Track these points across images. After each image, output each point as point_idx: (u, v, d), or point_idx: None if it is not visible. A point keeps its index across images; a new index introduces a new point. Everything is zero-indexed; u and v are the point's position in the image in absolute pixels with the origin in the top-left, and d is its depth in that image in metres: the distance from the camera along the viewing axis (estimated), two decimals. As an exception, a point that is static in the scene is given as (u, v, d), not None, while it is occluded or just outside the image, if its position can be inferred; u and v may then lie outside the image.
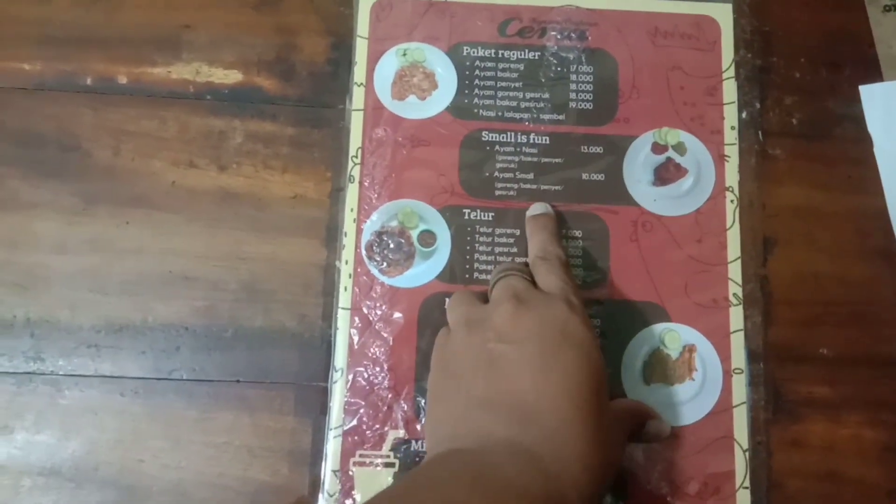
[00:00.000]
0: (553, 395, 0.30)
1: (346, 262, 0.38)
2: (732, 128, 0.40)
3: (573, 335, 0.31)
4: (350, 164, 0.39)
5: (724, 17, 0.41)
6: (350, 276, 0.38)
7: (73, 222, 0.39)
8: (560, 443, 0.29)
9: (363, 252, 0.38)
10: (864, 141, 0.40)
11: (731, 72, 0.40)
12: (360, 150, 0.39)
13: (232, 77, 0.40)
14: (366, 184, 0.39)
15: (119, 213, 0.39)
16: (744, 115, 0.40)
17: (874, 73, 0.41)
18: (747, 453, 0.37)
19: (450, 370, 0.33)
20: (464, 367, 0.32)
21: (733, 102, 0.40)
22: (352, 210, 0.39)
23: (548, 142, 0.40)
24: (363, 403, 0.37)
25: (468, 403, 0.31)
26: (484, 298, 0.35)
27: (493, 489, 0.27)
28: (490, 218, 0.39)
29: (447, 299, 0.37)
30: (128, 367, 0.37)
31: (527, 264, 0.37)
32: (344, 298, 0.38)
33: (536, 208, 0.39)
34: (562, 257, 0.36)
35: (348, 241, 0.38)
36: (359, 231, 0.39)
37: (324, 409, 0.37)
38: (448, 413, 0.31)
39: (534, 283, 0.35)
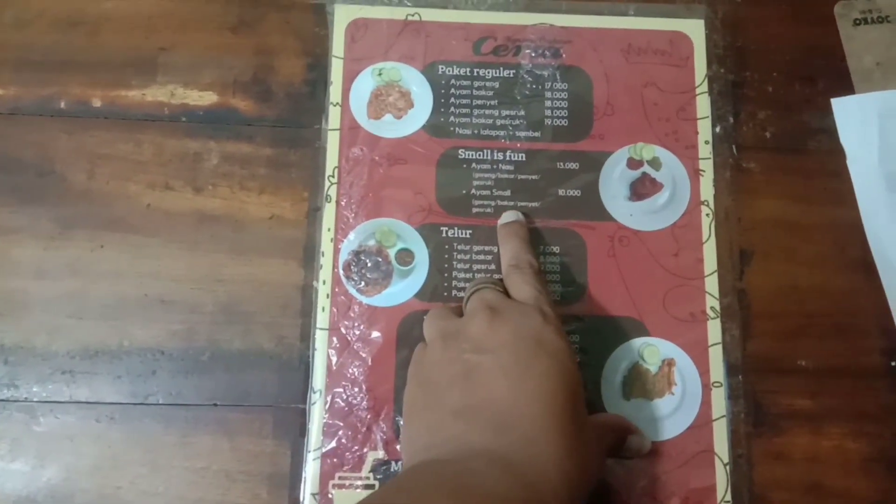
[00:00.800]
0: (529, 402, 0.30)
1: (324, 283, 0.38)
2: (707, 142, 0.40)
3: (548, 344, 0.31)
4: (327, 183, 0.39)
5: (697, 33, 0.41)
6: (328, 297, 0.38)
7: (49, 247, 0.38)
8: (537, 450, 0.29)
9: (341, 272, 0.38)
10: (839, 153, 0.41)
11: (705, 87, 0.41)
12: (336, 170, 0.39)
13: (207, 99, 0.40)
14: (343, 203, 0.39)
15: (95, 237, 0.39)
16: (718, 129, 0.40)
17: (846, 86, 0.41)
18: (728, 467, 0.36)
19: (426, 383, 0.33)
20: (440, 379, 0.32)
21: (707, 117, 0.40)
22: (329, 230, 0.39)
23: (524, 159, 0.40)
24: (342, 425, 0.36)
25: (444, 414, 0.31)
26: (460, 313, 0.35)
27: (472, 498, 0.27)
28: (468, 235, 0.39)
29: (425, 317, 0.37)
30: (104, 392, 0.37)
31: (502, 280, 0.37)
32: (322, 319, 0.38)
33: (507, 216, 0.39)
34: (534, 265, 0.36)
35: (326, 261, 0.38)
36: (336, 251, 0.39)
37: (303, 431, 0.37)
38: (424, 424, 0.31)
39: (507, 294, 0.35)
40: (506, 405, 0.30)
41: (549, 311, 0.33)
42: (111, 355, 0.37)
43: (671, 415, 0.37)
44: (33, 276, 0.38)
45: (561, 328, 0.33)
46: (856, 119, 0.41)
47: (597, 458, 0.33)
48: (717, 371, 0.37)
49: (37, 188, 0.39)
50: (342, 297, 0.38)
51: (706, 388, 0.37)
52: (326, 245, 0.39)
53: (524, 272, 0.35)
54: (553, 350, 0.31)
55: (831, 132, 0.41)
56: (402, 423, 0.36)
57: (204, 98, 0.40)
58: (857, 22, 0.42)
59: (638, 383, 0.37)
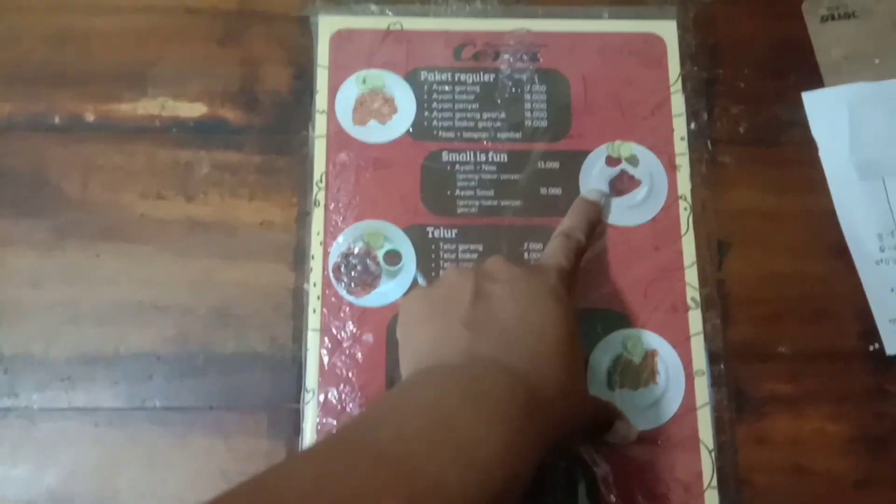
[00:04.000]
0: (534, 327, 0.32)
1: (315, 285, 0.39)
2: (682, 138, 0.41)
3: (556, 293, 0.33)
4: (315, 188, 0.40)
5: (669, 33, 0.43)
6: (318, 298, 0.39)
7: (45, 256, 0.39)
8: (539, 366, 0.31)
9: (330, 274, 0.39)
10: (811, 145, 0.42)
11: (679, 85, 0.42)
12: (324, 175, 0.41)
13: (197, 110, 0.41)
14: (331, 207, 0.40)
15: (90, 246, 0.40)
16: (692, 125, 0.42)
17: (816, 80, 0.43)
18: (713, 453, 0.37)
19: (434, 298, 0.34)
20: (450, 296, 0.33)
21: (682, 114, 0.42)
22: (318, 233, 0.40)
23: (506, 159, 0.41)
24: (335, 422, 0.37)
25: (453, 323, 0.32)
26: None
27: (482, 398, 0.28)
28: (453, 235, 0.40)
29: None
30: (101, 397, 0.38)
31: None
32: (313, 320, 0.39)
33: (590, 192, 0.40)
34: (581, 243, 0.38)
35: (315, 264, 0.39)
36: (326, 253, 0.40)
37: (297, 430, 0.37)
38: (430, 334, 0.33)
39: None
40: (513, 324, 0.32)
41: (567, 276, 0.35)
42: (108, 361, 0.38)
43: (656, 404, 0.38)
44: (30, 286, 0.39)
45: (572, 292, 0.35)
46: (826, 111, 0.42)
47: (586, 410, 0.35)
48: (700, 360, 0.38)
49: (32, 200, 0.40)
50: (333, 299, 0.39)
51: (689, 376, 0.38)
52: (316, 248, 0.40)
53: (569, 241, 0.37)
54: (560, 297, 0.33)
55: (803, 125, 0.42)
56: (399, 334, 0.36)
57: (193, 109, 0.41)
58: (825, 18, 0.43)
59: (623, 374, 0.38)
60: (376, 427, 0.27)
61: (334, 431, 0.27)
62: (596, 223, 0.40)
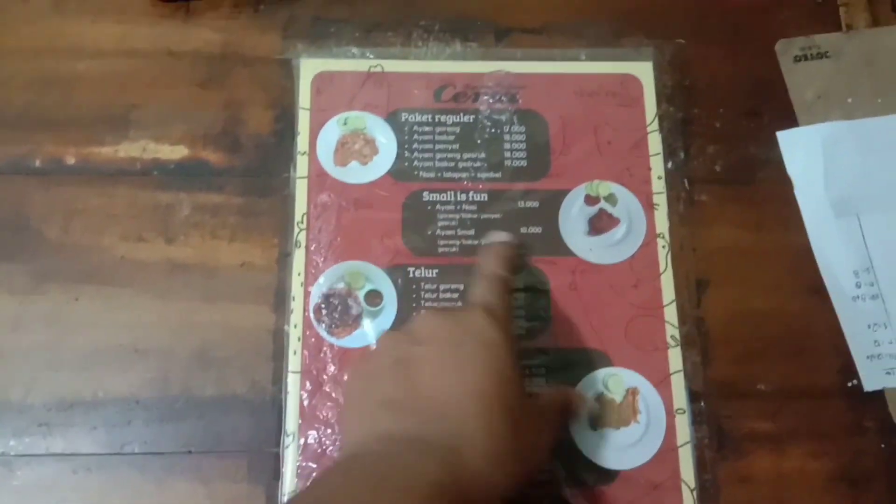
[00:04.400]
0: (457, 391, 0.31)
1: (295, 326, 0.39)
2: (659, 177, 0.42)
3: (483, 336, 0.32)
4: (296, 229, 0.41)
5: (646, 74, 0.43)
6: (299, 340, 0.39)
7: (25, 301, 0.39)
8: (459, 433, 0.30)
9: (311, 315, 0.39)
10: (786, 183, 0.42)
11: (656, 125, 0.43)
12: (305, 216, 0.41)
13: (178, 152, 0.42)
14: (312, 248, 0.40)
15: (70, 290, 0.39)
16: (669, 164, 0.42)
17: (790, 119, 0.43)
18: (695, 492, 0.37)
19: (364, 374, 0.34)
20: (376, 371, 0.33)
21: (659, 153, 0.42)
22: (299, 274, 0.40)
23: (486, 199, 0.41)
24: (315, 466, 0.37)
25: (374, 406, 0.32)
26: None
27: (388, 482, 0.28)
28: (434, 275, 0.40)
29: None
30: (80, 443, 0.37)
31: None
32: (294, 362, 0.39)
33: (495, 235, 0.39)
34: (504, 278, 0.36)
35: (296, 305, 0.39)
36: (306, 294, 0.40)
37: (277, 475, 0.37)
38: (357, 417, 0.33)
39: None
40: (432, 393, 0.31)
41: (500, 313, 0.33)
42: (87, 406, 0.38)
43: (637, 443, 0.38)
44: (9, 330, 0.39)
45: (508, 328, 0.33)
46: (801, 150, 0.43)
47: (541, 440, 0.34)
48: (680, 398, 0.39)
49: (12, 244, 0.40)
50: (313, 340, 0.39)
51: (670, 415, 0.38)
52: (297, 289, 0.40)
53: (490, 280, 0.35)
54: (488, 342, 0.32)
55: (778, 163, 0.43)
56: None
57: (175, 152, 0.42)
58: (798, 58, 0.44)
59: (604, 413, 0.38)
60: None
61: None
62: (514, 258, 0.37)
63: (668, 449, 0.38)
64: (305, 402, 0.38)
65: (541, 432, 0.34)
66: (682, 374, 0.39)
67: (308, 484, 0.36)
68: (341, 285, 0.40)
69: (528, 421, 0.32)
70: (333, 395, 0.38)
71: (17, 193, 0.41)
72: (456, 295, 0.40)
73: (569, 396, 0.38)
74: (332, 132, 0.42)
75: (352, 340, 0.39)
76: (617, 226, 0.41)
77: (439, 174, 0.42)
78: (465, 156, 0.42)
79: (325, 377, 0.38)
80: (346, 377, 0.38)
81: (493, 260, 0.37)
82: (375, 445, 0.30)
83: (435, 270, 0.40)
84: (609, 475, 0.37)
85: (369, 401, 0.32)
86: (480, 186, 0.42)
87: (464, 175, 0.42)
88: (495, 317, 0.33)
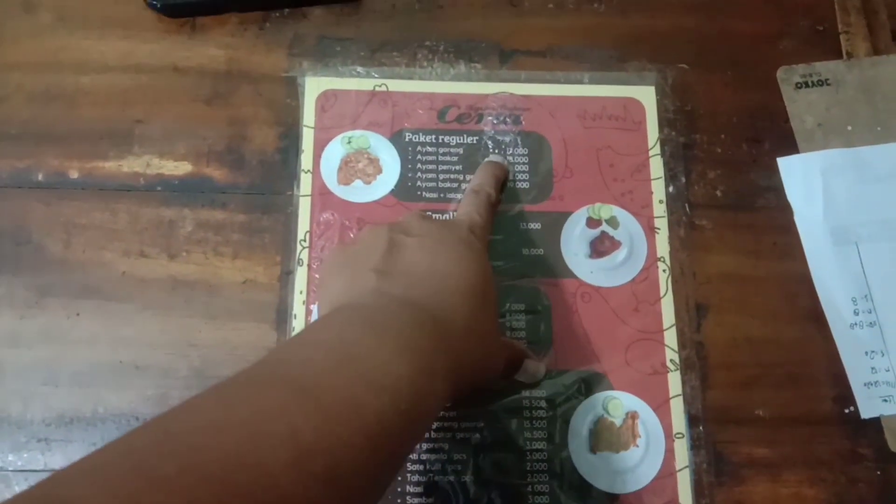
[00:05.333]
0: (444, 271, 0.33)
1: (297, 345, 0.39)
2: (661, 202, 0.42)
3: (467, 241, 0.35)
4: (299, 247, 0.41)
5: (648, 98, 0.44)
6: (300, 358, 0.39)
7: (25, 315, 0.39)
8: (448, 303, 0.32)
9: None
10: (786, 209, 0.43)
11: (657, 149, 0.43)
12: (308, 234, 0.41)
13: (182, 168, 0.42)
14: (314, 266, 0.40)
15: (70, 305, 0.39)
16: (671, 189, 0.42)
17: (791, 146, 0.44)
18: (693, 518, 0.37)
19: (350, 251, 0.36)
20: (365, 249, 0.35)
21: (660, 178, 0.43)
22: (301, 292, 0.40)
23: (488, 220, 0.42)
24: (315, 486, 0.37)
25: (364, 270, 0.33)
26: None
27: (385, 329, 0.29)
28: (436, 295, 0.40)
29: None
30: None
31: None
32: (294, 380, 0.39)
33: (493, 157, 0.42)
34: (492, 197, 0.39)
35: (298, 324, 0.39)
36: (308, 312, 0.40)
37: (276, 493, 0.37)
38: (343, 280, 0.34)
39: None
40: (422, 269, 0.33)
41: (479, 232, 0.36)
42: (86, 422, 0.38)
43: (636, 467, 0.38)
44: (8, 345, 0.39)
45: (485, 243, 0.37)
46: (801, 177, 0.43)
47: (498, 350, 0.36)
48: (679, 422, 0.39)
49: (13, 258, 0.40)
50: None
51: (669, 439, 0.39)
52: (299, 307, 0.40)
53: (479, 196, 0.39)
54: (471, 245, 0.35)
55: (778, 190, 0.43)
56: (317, 288, 0.39)
57: (179, 168, 0.42)
58: (799, 85, 0.45)
59: (604, 436, 0.39)
60: (283, 360, 0.28)
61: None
62: (503, 179, 0.41)
63: (667, 473, 0.38)
64: (305, 422, 0.38)
65: (499, 348, 0.36)
66: (681, 398, 0.39)
67: (307, 326, 0.37)
68: (343, 304, 0.40)
69: (495, 327, 0.35)
70: (333, 414, 0.38)
71: (20, 207, 0.41)
72: (457, 316, 0.40)
73: (518, 347, 0.39)
74: (335, 151, 0.42)
75: (353, 360, 0.39)
76: (618, 249, 0.41)
77: (442, 195, 0.42)
78: (469, 177, 0.42)
79: (325, 397, 0.38)
80: (327, 253, 0.40)
81: (488, 177, 0.40)
82: (368, 298, 0.31)
83: (436, 291, 0.40)
84: (607, 499, 0.37)
85: (360, 267, 0.33)
86: (483, 207, 0.42)
87: (467, 196, 0.42)
88: (476, 233, 0.36)
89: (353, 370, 0.27)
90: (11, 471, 0.37)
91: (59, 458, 0.37)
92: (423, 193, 0.42)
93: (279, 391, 0.25)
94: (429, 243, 0.34)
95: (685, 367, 0.40)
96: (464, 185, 0.42)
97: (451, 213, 0.42)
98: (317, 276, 0.40)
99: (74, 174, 0.41)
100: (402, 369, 0.28)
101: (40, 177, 0.41)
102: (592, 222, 0.42)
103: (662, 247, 0.42)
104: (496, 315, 0.36)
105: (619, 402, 0.39)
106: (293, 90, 0.43)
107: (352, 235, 0.41)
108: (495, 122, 0.43)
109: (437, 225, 0.36)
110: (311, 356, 0.28)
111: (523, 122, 0.43)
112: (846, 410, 0.40)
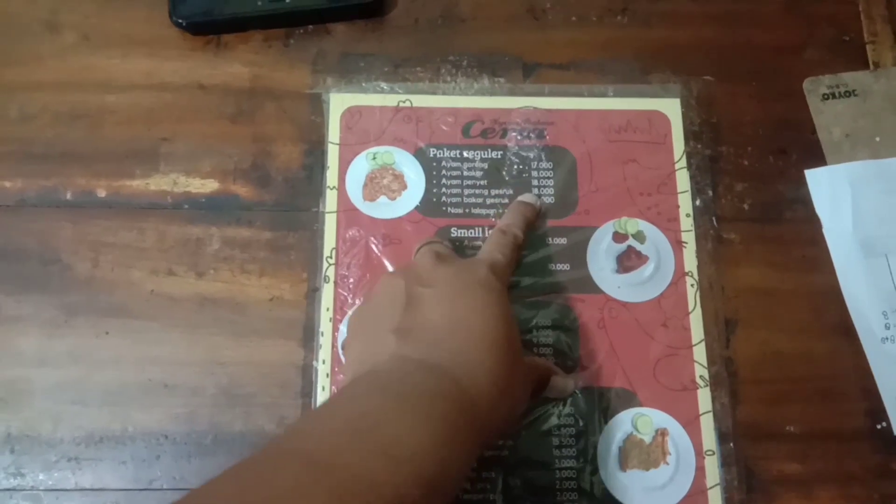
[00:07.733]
0: (463, 326, 0.32)
1: (324, 362, 0.39)
2: (688, 215, 0.42)
3: (486, 284, 0.34)
4: (325, 264, 0.41)
5: (673, 111, 0.43)
6: (328, 376, 0.39)
7: (53, 335, 0.39)
8: (469, 359, 0.31)
9: (340, 351, 0.39)
10: (814, 222, 0.42)
11: (683, 162, 0.43)
12: (334, 251, 0.41)
13: (209, 186, 0.42)
14: (341, 283, 0.40)
15: (98, 324, 0.39)
16: (698, 202, 0.42)
17: (818, 158, 0.43)
18: (725, 536, 0.37)
19: (371, 307, 0.36)
20: (384, 305, 0.34)
21: (687, 191, 0.42)
22: (328, 309, 0.40)
23: (514, 235, 0.42)
24: None
25: (383, 332, 0.33)
26: None
27: (405, 397, 0.29)
28: (462, 311, 0.40)
29: None
30: (108, 478, 0.37)
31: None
32: (322, 398, 0.39)
33: (527, 196, 0.41)
34: (518, 238, 0.39)
35: (325, 341, 0.39)
36: (335, 330, 0.40)
37: (305, 512, 0.37)
38: (364, 341, 0.34)
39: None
40: (442, 324, 0.32)
41: (500, 270, 0.36)
42: (115, 441, 0.38)
43: (667, 485, 0.38)
44: (37, 364, 0.39)
45: (505, 283, 0.36)
46: (828, 189, 0.43)
47: (524, 388, 0.36)
48: (710, 439, 0.38)
49: (41, 277, 0.40)
50: (342, 376, 0.39)
51: (699, 456, 0.38)
52: (325, 325, 0.40)
53: (505, 236, 0.38)
54: (490, 287, 0.34)
55: (806, 202, 0.43)
56: (343, 353, 0.39)
57: (205, 185, 0.42)
58: (826, 96, 0.44)
59: (633, 454, 0.38)
60: (302, 435, 0.28)
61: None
62: (532, 221, 0.41)
63: (698, 491, 0.38)
64: (334, 440, 0.38)
65: (525, 384, 0.36)
66: (711, 414, 0.39)
67: (329, 397, 0.37)
68: (369, 321, 0.40)
69: (521, 368, 0.35)
70: (362, 432, 0.38)
71: (47, 226, 0.41)
72: (484, 332, 0.40)
73: (545, 363, 0.39)
74: (360, 167, 0.42)
75: (380, 377, 0.39)
76: (645, 263, 0.41)
77: (467, 210, 0.42)
78: (493, 192, 0.42)
79: (353, 415, 0.38)
80: (349, 313, 0.39)
81: (517, 217, 0.40)
82: (389, 364, 0.31)
83: (463, 307, 0.40)
84: (638, 517, 0.37)
85: (380, 328, 0.33)
86: (508, 223, 0.42)
87: (492, 211, 0.42)
88: (496, 273, 0.36)
89: (373, 443, 0.27)
90: (42, 490, 0.37)
91: (89, 477, 0.37)
92: (448, 209, 0.42)
93: (295, 469, 0.26)
94: (448, 293, 0.34)
95: (714, 382, 0.39)
96: (489, 201, 0.42)
97: (480, 229, 0.41)
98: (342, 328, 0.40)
99: (102, 193, 0.42)
100: (424, 439, 0.27)
101: (68, 196, 0.41)
102: (619, 237, 0.42)
103: (690, 261, 0.41)
104: (520, 353, 0.35)
105: (648, 419, 0.39)
106: (318, 107, 0.43)
107: (377, 252, 0.41)
108: (519, 137, 0.43)
109: (454, 269, 0.35)
110: (329, 428, 0.28)
111: (547, 137, 0.43)
112: (878, 426, 0.39)
